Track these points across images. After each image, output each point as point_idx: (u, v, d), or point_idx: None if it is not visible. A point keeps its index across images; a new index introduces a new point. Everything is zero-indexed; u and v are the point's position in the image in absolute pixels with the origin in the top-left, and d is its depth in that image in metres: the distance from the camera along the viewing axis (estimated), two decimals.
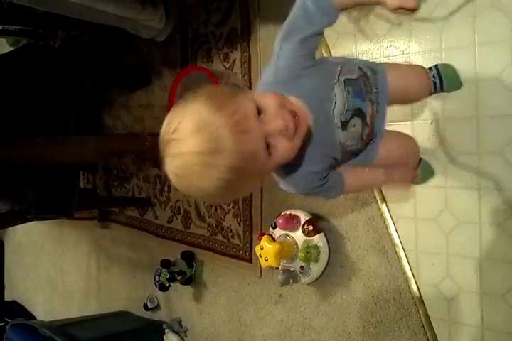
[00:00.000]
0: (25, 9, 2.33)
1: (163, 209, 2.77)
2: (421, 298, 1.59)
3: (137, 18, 2.24)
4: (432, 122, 1.55)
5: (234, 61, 2.21)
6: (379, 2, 1.07)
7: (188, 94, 0.88)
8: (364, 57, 1.71)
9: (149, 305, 2.81)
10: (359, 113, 1.08)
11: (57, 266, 4.04)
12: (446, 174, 1.53)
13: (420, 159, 1.50)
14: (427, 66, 1.51)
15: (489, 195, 1.44)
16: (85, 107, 2.81)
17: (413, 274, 1.61)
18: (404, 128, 1.60)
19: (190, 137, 0.81)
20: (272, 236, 1.88)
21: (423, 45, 1.56)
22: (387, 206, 1.67)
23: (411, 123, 1.59)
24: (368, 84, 1.14)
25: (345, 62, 1.14)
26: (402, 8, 1.04)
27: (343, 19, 1.75)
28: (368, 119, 1.11)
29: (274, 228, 1.91)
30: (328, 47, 1.81)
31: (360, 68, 1.14)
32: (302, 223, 1.82)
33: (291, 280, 1.82)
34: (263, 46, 2.07)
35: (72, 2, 1.91)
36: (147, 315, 2.87)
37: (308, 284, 1.88)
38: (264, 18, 2.05)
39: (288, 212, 1.87)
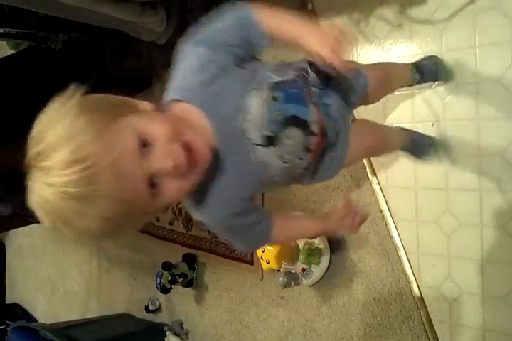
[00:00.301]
0: (26, 12, 2.33)
1: (165, 212, 2.77)
2: (422, 300, 1.59)
3: (138, 21, 2.24)
4: (433, 124, 1.55)
5: None
6: (302, 43, 0.91)
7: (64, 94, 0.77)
8: (364, 60, 1.71)
9: (151, 308, 2.81)
10: (295, 122, 0.89)
11: (58, 269, 4.03)
12: (447, 175, 1.52)
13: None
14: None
15: (490, 196, 1.44)
16: None
17: (414, 276, 1.61)
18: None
19: (60, 169, 0.68)
20: None
21: (424, 47, 1.56)
22: (388, 208, 1.67)
23: (412, 126, 1.59)
24: (309, 83, 0.97)
25: (281, 65, 1.00)
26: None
27: (343, 21, 1.75)
28: (315, 126, 0.93)
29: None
30: None
31: (300, 67, 0.99)
32: None
33: (292, 283, 1.82)
34: (263, 48, 2.06)
35: (73, 5, 1.91)
36: (149, 317, 2.87)
37: (310, 286, 1.88)
38: None
39: None
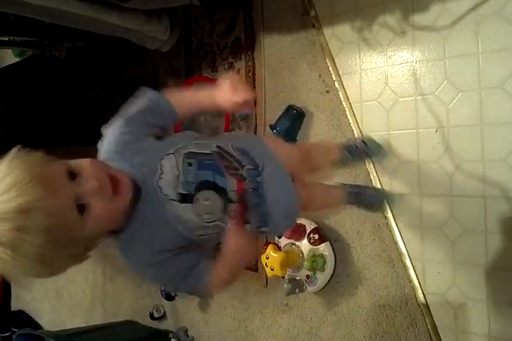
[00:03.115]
0: (31, 20, 2.34)
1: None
2: (427, 307, 1.59)
3: (142, 29, 2.26)
4: (436, 131, 1.55)
5: (238, 71, 2.22)
6: (213, 102, 1.10)
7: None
8: (368, 67, 1.72)
9: (155, 315, 2.81)
10: (211, 186, 1.00)
11: (63, 276, 4.01)
12: (451, 182, 1.53)
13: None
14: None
15: (495, 203, 1.44)
16: (91, 117, 2.82)
17: (419, 283, 1.61)
18: (409, 136, 1.61)
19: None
20: (277, 245, 1.88)
21: (426, 53, 1.57)
22: (393, 214, 1.67)
23: (416, 132, 1.60)
24: (232, 161, 1.06)
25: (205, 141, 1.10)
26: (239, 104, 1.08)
27: (346, 29, 1.76)
28: (233, 195, 1.02)
29: (279, 237, 1.90)
30: (332, 56, 1.82)
31: (219, 147, 1.08)
32: (308, 232, 1.83)
33: (297, 290, 1.82)
34: (267, 55, 2.08)
35: (78, 14, 1.92)
36: (153, 324, 2.87)
37: (315, 293, 1.88)
38: (267, 28, 2.07)
39: None
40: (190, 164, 0.99)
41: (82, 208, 0.82)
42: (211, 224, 1.00)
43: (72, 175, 0.84)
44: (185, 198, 0.97)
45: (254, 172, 1.09)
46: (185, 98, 1.14)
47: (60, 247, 0.82)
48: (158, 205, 0.96)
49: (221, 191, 1.01)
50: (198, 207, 0.98)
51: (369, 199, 1.66)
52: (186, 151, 1.01)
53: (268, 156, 1.15)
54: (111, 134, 1.02)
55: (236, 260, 1.04)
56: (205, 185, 0.99)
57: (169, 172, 0.97)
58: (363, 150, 1.67)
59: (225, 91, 1.08)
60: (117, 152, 1.00)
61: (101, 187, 0.84)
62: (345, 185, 1.67)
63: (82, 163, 0.87)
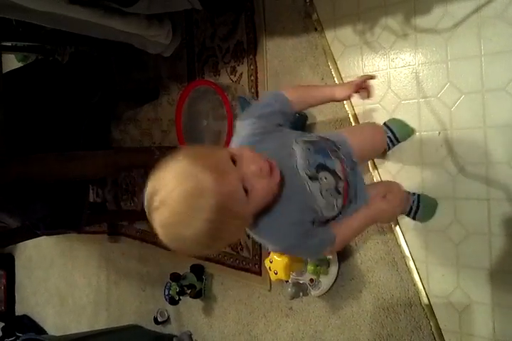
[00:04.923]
0: (34, 25, 2.35)
1: None
2: (432, 310, 1.58)
3: (144, 34, 2.26)
4: (439, 133, 1.55)
5: (241, 74, 2.23)
6: (331, 98, 1.32)
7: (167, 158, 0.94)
8: (370, 70, 1.72)
9: (159, 319, 2.81)
10: (324, 167, 1.14)
11: (67, 280, 4.04)
12: (454, 184, 1.52)
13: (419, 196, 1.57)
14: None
15: (499, 205, 1.43)
16: (94, 122, 2.83)
17: (423, 286, 1.60)
18: (412, 139, 1.60)
19: (173, 187, 0.87)
20: None
21: (429, 56, 1.57)
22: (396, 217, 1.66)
23: (419, 134, 1.59)
24: (331, 144, 1.23)
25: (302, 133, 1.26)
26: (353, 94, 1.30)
27: (348, 32, 1.76)
28: (340, 174, 1.17)
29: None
30: (334, 59, 1.82)
31: (318, 136, 1.26)
32: None
33: (301, 293, 1.82)
34: (269, 59, 2.08)
35: (80, 19, 1.93)
36: (157, 328, 2.87)
37: (318, 297, 1.87)
38: (269, 32, 2.07)
39: None
40: (309, 149, 1.14)
41: (246, 189, 0.94)
42: (326, 201, 1.13)
43: (234, 161, 0.95)
44: (313, 177, 1.11)
45: (347, 153, 1.25)
46: (307, 99, 1.32)
47: (228, 222, 0.92)
48: (298, 185, 1.09)
49: (332, 171, 1.15)
50: (322, 185, 1.12)
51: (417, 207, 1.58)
52: (302, 139, 1.16)
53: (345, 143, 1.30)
54: (247, 128, 1.16)
55: (374, 218, 1.30)
56: (321, 167, 1.13)
57: (300, 156, 1.11)
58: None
59: (345, 88, 1.30)
60: (254, 141, 1.12)
61: (261, 169, 0.96)
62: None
63: (242, 151, 1.00)
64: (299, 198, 1.10)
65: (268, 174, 0.98)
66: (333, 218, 1.22)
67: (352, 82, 1.32)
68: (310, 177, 1.10)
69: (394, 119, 1.65)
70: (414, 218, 1.59)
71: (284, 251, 1.33)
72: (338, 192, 1.16)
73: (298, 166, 1.10)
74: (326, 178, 1.13)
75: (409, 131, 1.62)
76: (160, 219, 0.90)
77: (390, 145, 1.61)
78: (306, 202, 1.11)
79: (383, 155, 1.68)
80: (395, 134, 1.59)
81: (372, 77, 1.34)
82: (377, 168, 1.71)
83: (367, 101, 1.67)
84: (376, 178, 1.71)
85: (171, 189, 0.87)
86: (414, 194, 1.57)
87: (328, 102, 1.36)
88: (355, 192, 1.24)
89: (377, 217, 1.32)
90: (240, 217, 0.95)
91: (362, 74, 1.74)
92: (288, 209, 1.08)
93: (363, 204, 1.26)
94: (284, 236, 1.11)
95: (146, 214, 0.93)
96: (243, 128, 1.17)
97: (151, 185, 0.92)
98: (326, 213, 1.16)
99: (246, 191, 0.94)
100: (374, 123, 1.65)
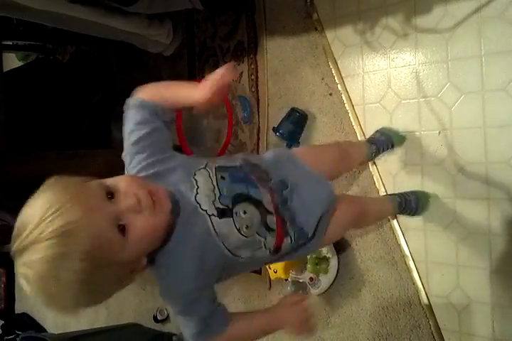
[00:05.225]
0: (35, 24, 2.35)
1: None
2: (431, 309, 1.59)
3: (145, 33, 2.26)
4: (439, 132, 1.55)
5: (241, 74, 2.23)
6: (191, 98, 1.09)
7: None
8: (370, 69, 1.72)
9: (159, 317, 2.81)
10: (247, 198, 0.98)
11: None
12: (454, 184, 1.53)
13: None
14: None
15: (498, 205, 1.44)
16: (95, 121, 2.83)
17: (423, 285, 1.61)
18: (412, 138, 1.61)
19: (38, 223, 0.75)
20: None
21: (429, 56, 1.57)
22: (396, 216, 1.67)
23: (419, 134, 1.60)
24: (259, 171, 1.06)
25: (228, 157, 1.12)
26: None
27: (349, 31, 1.77)
28: (269, 206, 1.00)
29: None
30: (335, 58, 1.82)
31: (244, 159, 1.08)
32: None
33: (300, 292, 1.82)
34: (270, 59, 2.08)
35: (81, 18, 1.93)
36: (157, 327, 2.87)
37: (318, 295, 1.87)
38: (270, 31, 2.07)
39: None
40: (222, 177, 0.98)
41: (123, 228, 0.80)
42: (248, 239, 0.97)
43: (111, 195, 0.82)
44: (223, 212, 0.94)
45: (281, 184, 1.07)
46: (164, 94, 1.12)
47: (104, 272, 0.80)
48: (198, 222, 0.93)
49: (256, 203, 0.99)
50: (238, 220, 0.95)
51: (414, 204, 1.57)
52: (216, 165, 1.01)
53: (293, 166, 1.16)
54: (134, 161, 0.99)
55: (275, 328, 1.14)
56: (241, 199, 0.97)
57: (204, 186, 0.95)
58: (386, 141, 1.62)
59: (201, 91, 1.09)
60: (147, 176, 0.96)
61: (140, 202, 0.82)
62: (391, 195, 1.62)
63: (119, 181, 0.85)
64: (197, 238, 0.93)
65: (149, 207, 0.83)
66: (277, 259, 1.10)
67: (207, 83, 1.13)
68: (219, 212, 0.93)
69: (385, 128, 1.66)
70: (413, 215, 1.60)
71: (180, 309, 0.99)
72: (268, 229, 0.99)
73: (198, 200, 0.93)
74: (244, 212, 0.96)
75: (401, 139, 1.63)
76: (23, 271, 0.81)
77: (374, 154, 1.62)
78: (208, 242, 0.93)
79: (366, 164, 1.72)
80: (388, 141, 1.61)
81: None
82: (377, 168, 1.71)
83: (367, 100, 1.68)
84: (376, 178, 1.71)
85: (32, 240, 0.75)
86: (402, 196, 1.57)
87: (191, 104, 1.10)
88: (302, 228, 1.07)
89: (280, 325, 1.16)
90: (117, 262, 0.81)
91: (362, 73, 1.74)
92: (184, 250, 0.92)
93: (317, 245, 1.13)
94: (183, 280, 0.94)
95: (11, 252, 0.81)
96: (132, 160, 1.00)
97: (18, 219, 0.81)
98: (247, 254, 0.98)
99: (124, 229, 0.80)
100: (338, 143, 1.63)
